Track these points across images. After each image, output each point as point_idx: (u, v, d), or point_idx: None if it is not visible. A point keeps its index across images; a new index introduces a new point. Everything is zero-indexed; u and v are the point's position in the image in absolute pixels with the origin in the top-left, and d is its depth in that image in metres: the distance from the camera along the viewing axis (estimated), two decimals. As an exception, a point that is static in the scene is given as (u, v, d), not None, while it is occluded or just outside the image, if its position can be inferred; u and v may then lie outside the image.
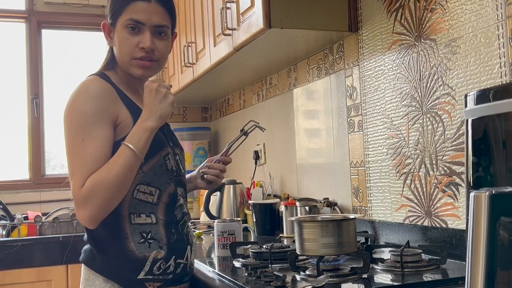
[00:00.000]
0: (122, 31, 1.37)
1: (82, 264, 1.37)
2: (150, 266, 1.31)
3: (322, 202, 2.01)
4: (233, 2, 1.97)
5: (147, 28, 1.36)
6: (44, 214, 3.19)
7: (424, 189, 1.54)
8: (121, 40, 1.37)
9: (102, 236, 1.32)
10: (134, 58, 1.37)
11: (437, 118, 1.49)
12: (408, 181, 1.61)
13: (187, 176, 1.64)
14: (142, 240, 1.32)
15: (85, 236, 1.37)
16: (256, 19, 1.78)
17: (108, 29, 1.42)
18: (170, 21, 1.42)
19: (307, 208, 1.99)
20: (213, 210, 2.49)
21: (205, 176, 1.61)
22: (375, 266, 1.34)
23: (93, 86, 1.33)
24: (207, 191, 2.42)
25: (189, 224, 1.46)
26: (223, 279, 1.37)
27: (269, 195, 2.54)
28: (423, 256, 1.37)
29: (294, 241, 1.36)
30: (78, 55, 3.66)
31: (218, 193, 2.54)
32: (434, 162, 1.50)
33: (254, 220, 2.29)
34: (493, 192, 0.62)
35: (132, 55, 1.37)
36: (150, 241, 1.32)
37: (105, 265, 1.32)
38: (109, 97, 1.33)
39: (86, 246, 1.37)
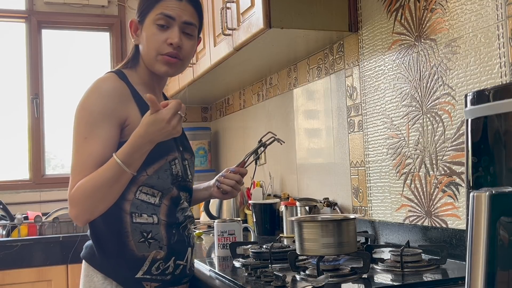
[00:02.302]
0: (151, 27, 1.37)
1: (83, 260, 1.37)
2: (149, 265, 1.32)
3: (322, 202, 2.01)
4: (233, 2, 1.97)
5: (176, 24, 1.37)
6: (44, 214, 3.20)
7: (424, 189, 1.54)
8: (149, 35, 1.37)
9: (103, 233, 1.32)
10: (160, 54, 1.37)
11: (437, 118, 1.49)
12: (408, 181, 1.61)
13: (205, 184, 1.63)
14: (142, 239, 1.32)
15: (89, 232, 1.38)
16: (256, 19, 1.78)
17: (135, 26, 1.42)
18: (198, 21, 1.43)
19: (307, 208, 1.99)
20: (213, 210, 2.49)
21: (222, 188, 1.58)
22: (375, 266, 1.34)
23: (105, 85, 1.33)
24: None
25: (191, 226, 1.45)
26: (223, 279, 1.37)
27: (269, 195, 2.54)
28: (423, 256, 1.37)
29: (294, 241, 1.36)
30: (78, 55, 3.66)
31: (218, 193, 2.54)
32: (434, 162, 1.50)
33: (254, 220, 2.29)
34: (493, 192, 0.62)
35: (159, 51, 1.37)
36: (150, 240, 1.32)
37: (104, 262, 1.32)
38: (120, 97, 1.32)
39: (88, 242, 1.38)
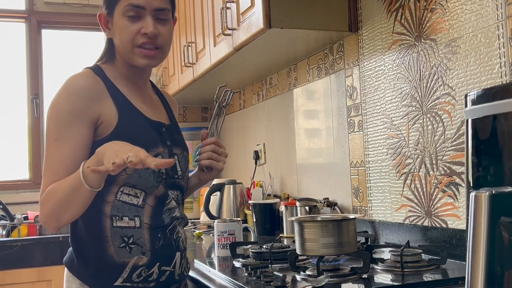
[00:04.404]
0: (121, 19, 1.28)
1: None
2: (129, 272, 1.23)
3: (322, 202, 2.01)
4: (233, 2, 1.97)
5: (148, 13, 1.27)
6: (44, 214, 3.19)
7: (424, 189, 1.54)
8: (121, 28, 1.28)
9: (82, 237, 1.26)
10: (136, 46, 1.28)
11: (437, 118, 1.49)
12: (408, 181, 1.61)
13: (191, 174, 1.51)
14: (123, 244, 1.23)
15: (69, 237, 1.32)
16: (256, 19, 1.78)
17: (104, 19, 1.33)
18: (170, 4, 1.34)
19: (307, 208, 1.99)
20: (213, 210, 2.49)
21: (201, 164, 1.44)
22: (375, 266, 1.34)
23: (76, 82, 1.25)
24: (207, 191, 2.43)
25: (181, 229, 1.35)
26: (223, 279, 1.37)
27: (269, 195, 2.54)
28: (423, 256, 1.37)
29: (294, 241, 1.36)
30: (78, 55, 3.66)
31: (218, 193, 2.54)
32: (434, 162, 1.50)
33: (254, 220, 2.29)
34: (493, 192, 0.62)
35: (134, 42, 1.28)
36: (132, 246, 1.24)
37: (82, 268, 1.26)
38: (91, 94, 1.24)
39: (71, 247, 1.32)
